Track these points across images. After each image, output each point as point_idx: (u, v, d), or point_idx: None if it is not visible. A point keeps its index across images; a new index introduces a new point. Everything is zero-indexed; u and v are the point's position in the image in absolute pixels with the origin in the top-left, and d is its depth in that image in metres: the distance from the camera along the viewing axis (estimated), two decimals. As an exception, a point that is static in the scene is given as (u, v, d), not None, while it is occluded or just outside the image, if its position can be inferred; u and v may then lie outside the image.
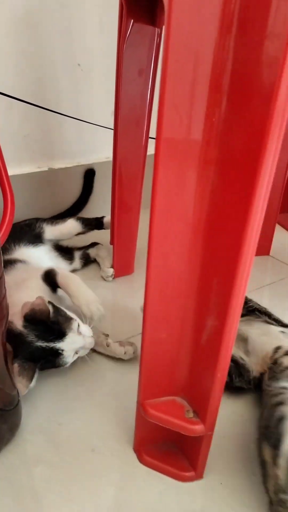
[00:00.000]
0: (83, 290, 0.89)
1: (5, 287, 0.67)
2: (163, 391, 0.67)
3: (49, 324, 0.77)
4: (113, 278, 1.19)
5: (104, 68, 1.33)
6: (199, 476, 0.68)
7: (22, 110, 1.26)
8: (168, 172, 0.55)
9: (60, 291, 0.93)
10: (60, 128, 1.35)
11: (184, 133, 0.53)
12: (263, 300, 1.19)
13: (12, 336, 0.74)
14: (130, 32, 0.94)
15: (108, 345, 0.90)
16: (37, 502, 0.65)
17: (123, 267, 1.20)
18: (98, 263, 1.23)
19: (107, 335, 0.93)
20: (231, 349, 0.59)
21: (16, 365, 0.74)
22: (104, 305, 1.08)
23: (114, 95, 1.00)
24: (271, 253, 1.37)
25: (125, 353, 0.89)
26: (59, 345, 0.77)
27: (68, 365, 0.81)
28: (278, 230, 1.41)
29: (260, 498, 0.66)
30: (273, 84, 0.45)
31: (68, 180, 1.41)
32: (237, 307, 0.56)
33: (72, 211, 1.39)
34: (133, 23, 0.93)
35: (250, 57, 0.48)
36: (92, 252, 1.23)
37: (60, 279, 0.91)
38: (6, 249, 1.03)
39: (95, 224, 1.20)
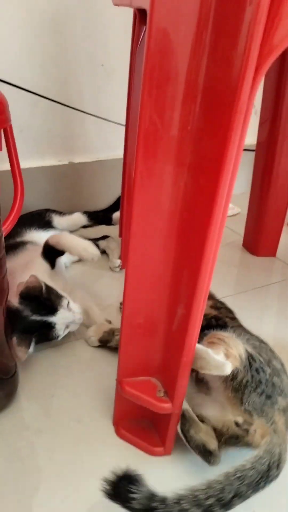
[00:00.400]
0: (75, 240, 0.99)
1: (6, 266, 0.75)
2: (140, 371, 0.74)
3: (42, 300, 0.86)
4: (120, 269, 1.26)
5: (126, 69, 1.39)
6: (167, 451, 0.75)
7: (46, 107, 1.35)
8: (146, 173, 0.61)
9: (57, 267, 1.03)
10: (81, 125, 1.43)
11: (162, 138, 0.59)
12: (267, 299, 1.25)
13: (10, 313, 0.83)
14: (142, 37, 1.00)
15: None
16: (23, 463, 0.73)
17: (130, 259, 1.27)
18: (107, 255, 1.30)
19: (109, 322, 1.01)
20: (196, 336, 0.65)
21: (14, 338, 0.82)
22: (110, 293, 1.16)
23: (127, 95, 1.07)
24: (277, 255, 1.41)
25: None
26: (51, 319, 0.86)
27: (60, 338, 0.90)
28: (286, 232, 1.45)
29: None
30: (233, 99, 0.51)
31: (87, 174, 1.48)
32: (201, 298, 0.62)
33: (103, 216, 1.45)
34: (145, 29, 0.99)
35: (218, 73, 0.53)
36: (102, 244, 1.31)
37: (50, 241, 1.01)
38: (17, 232, 1.14)
39: (102, 218, 1.28)
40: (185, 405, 0.73)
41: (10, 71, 1.26)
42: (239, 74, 0.50)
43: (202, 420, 0.74)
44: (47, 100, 1.34)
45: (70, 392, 0.87)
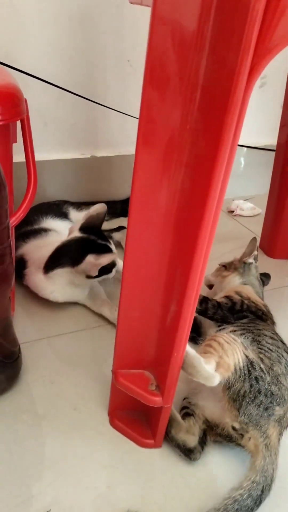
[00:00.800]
0: None
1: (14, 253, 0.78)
2: (135, 364, 0.75)
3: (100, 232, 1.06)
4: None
5: (152, 65, 1.41)
6: (157, 444, 0.76)
7: (71, 101, 1.37)
8: (145, 171, 0.62)
9: None
10: (105, 120, 1.45)
11: (161, 137, 0.61)
12: (280, 301, 1.24)
13: (79, 241, 1.05)
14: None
15: None
16: (19, 445, 0.76)
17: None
18: (121, 247, 1.32)
19: None
20: (187, 334, 0.66)
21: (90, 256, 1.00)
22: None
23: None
24: (293, 257, 1.40)
25: None
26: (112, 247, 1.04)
27: (112, 275, 1.07)
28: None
29: (208, 473, 0.73)
30: (227, 100, 0.52)
31: (109, 168, 1.50)
32: (192, 296, 0.63)
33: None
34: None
35: (215, 74, 0.54)
36: (116, 235, 1.32)
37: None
38: (35, 220, 1.19)
39: (121, 211, 1.29)
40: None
41: (37, 65, 1.29)
42: (233, 75, 0.50)
43: (193, 412, 0.76)
44: (72, 95, 1.36)
45: (70, 380, 0.89)
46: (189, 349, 0.69)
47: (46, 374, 0.90)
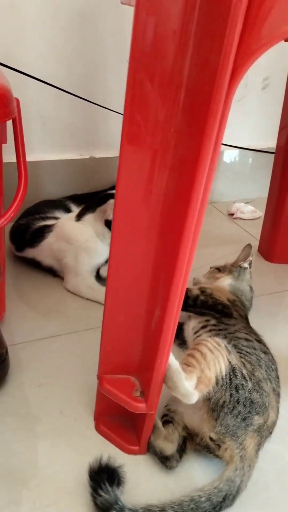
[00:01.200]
0: None
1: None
2: (120, 369, 0.74)
3: None
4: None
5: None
6: (142, 451, 0.75)
7: (70, 101, 1.37)
8: (129, 175, 0.62)
9: None
10: (104, 121, 1.44)
11: (145, 140, 0.60)
12: (278, 305, 1.23)
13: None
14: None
15: None
16: (3, 448, 0.75)
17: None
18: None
19: None
20: (171, 340, 0.65)
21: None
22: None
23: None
24: (293, 262, 1.38)
25: None
26: None
27: None
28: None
29: (192, 481, 0.72)
30: (209, 102, 0.50)
31: (107, 169, 1.50)
32: (175, 301, 0.62)
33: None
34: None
35: (199, 75, 0.53)
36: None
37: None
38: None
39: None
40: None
41: (36, 65, 1.29)
42: (215, 77, 0.49)
43: (173, 418, 0.75)
44: (71, 95, 1.36)
45: (58, 383, 0.88)
46: (172, 361, 0.67)
47: (35, 377, 0.89)
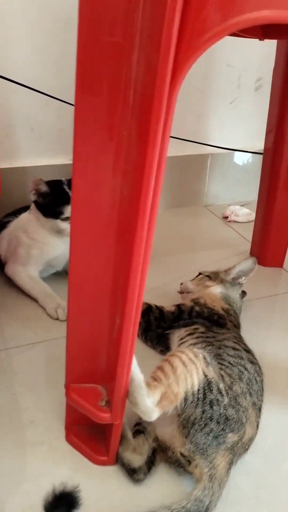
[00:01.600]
0: None
1: None
2: (88, 378, 0.73)
3: None
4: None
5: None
6: (111, 462, 0.73)
7: (57, 107, 1.35)
8: (84, 178, 0.60)
9: None
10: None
11: (98, 144, 0.58)
12: (274, 309, 1.21)
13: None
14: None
15: None
16: None
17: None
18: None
19: None
20: (131, 347, 0.63)
21: None
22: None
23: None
24: (284, 266, 1.35)
25: None
26: None
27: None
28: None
29: (161, 494, 0.70)
30: (151, 104, 0.49)
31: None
32: (132, 308, 0.60)
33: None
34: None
35: (144, 78, 0.51)
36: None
37: None
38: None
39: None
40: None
41: (22, 72, 1.28)
42: (156, 78, 0.47)
43: (144, 429, 0.73)
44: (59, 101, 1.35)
45: (32, 391, 0.87)
46: (135, 375, 0.65)
47: (8, 385, 0.88)
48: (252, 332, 1.02)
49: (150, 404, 0.64)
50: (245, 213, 1.63)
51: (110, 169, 0.58)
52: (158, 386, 0.66)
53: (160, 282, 1.21)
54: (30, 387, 0.88)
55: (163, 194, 1.59)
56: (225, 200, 1.72)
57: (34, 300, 1.11)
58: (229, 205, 1.67)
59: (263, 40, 0.86)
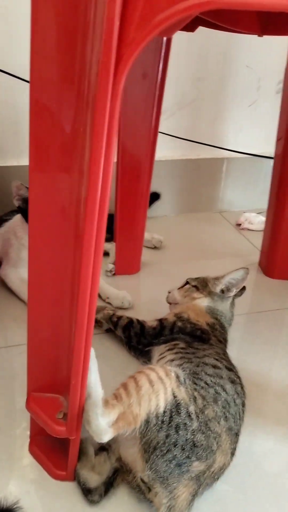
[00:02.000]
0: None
1: None
2: (50, 387, 0.69)
3: None
4: (114, 275, 1.21)
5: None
6: (69, 477, 0.69)
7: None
8: (41, 178, 0.57)
9: None
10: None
11: (55, 140, 0.55)
12: (283, 324, 1.14)
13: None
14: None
15: None
16: None
17: (125, 266, 1.21)
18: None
19: None
20: (85, 358, 0.59)
21: None
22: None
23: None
24: (294, 278, 1.28)
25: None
26: None
27: None
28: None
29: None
30: (96, 101, 0.45)
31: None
32: (84, 316, 0.56)
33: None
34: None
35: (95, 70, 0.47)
36: (106, 246, 1.26)
37: None
38: None
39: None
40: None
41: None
42: (100, 69, 0.43)
43: (109, 447, 0.68)
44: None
45: (3, 398, 0.84)
46: (94, 391, 0.60)
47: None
48: (257, 346, 0.95)
49: (103, 424, 0.59)
50: (261, 221, 1.55)
51: (68, 167, 0.55)
52: (116, 406, 0.61)
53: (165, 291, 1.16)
54: (1, 393, 0.85)
55: (175, 198, 1.57)
56: (241, 207, 1.65)
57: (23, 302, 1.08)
58: (244, 212, 1.60)
59: (262, 36, 0.80)
